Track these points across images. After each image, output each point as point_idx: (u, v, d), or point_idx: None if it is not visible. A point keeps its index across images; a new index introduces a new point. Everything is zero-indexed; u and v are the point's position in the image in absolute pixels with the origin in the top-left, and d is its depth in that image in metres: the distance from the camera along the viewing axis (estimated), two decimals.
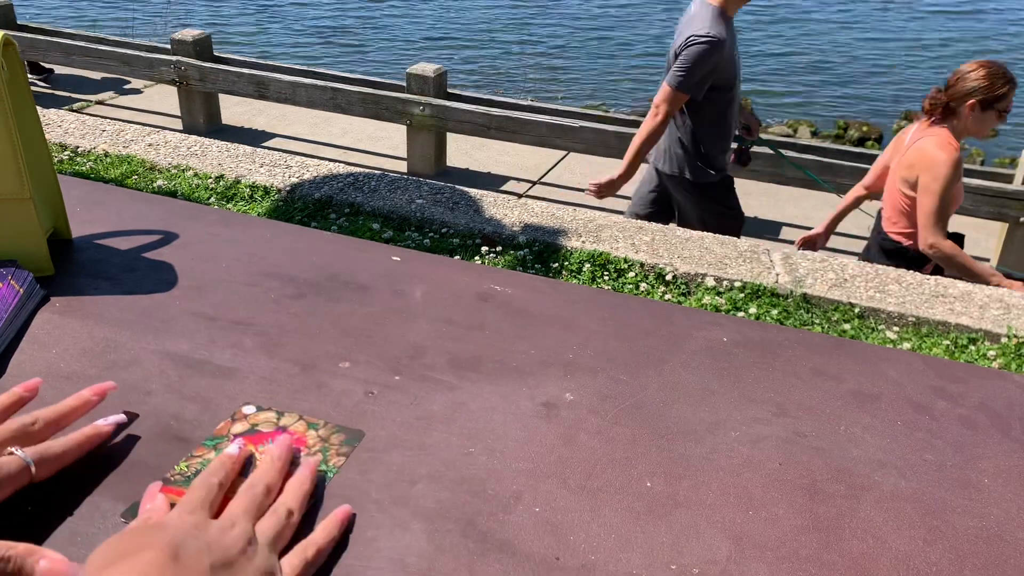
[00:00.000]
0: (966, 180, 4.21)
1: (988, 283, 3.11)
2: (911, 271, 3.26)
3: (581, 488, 0.59)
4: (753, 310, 3.63)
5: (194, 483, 0.54)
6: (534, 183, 5.13)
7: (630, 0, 11.51)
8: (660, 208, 3.80)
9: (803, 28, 10.45)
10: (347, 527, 0.54)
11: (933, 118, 2.97)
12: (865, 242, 4.58)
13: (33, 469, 0.55)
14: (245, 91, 5.36)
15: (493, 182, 5.11)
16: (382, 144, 5.60)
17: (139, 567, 0.46)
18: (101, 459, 0.59)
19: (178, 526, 0.50)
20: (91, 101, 6.05)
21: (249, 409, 0.65)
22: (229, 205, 4.31)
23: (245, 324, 0.75)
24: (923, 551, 0.55)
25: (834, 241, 4.57)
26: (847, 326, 3.53)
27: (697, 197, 3.60)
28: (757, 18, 10.76)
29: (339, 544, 0.53)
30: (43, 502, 0.55)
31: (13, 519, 0.54)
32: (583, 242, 4.05)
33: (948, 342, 3.43)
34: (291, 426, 0.63)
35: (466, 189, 4.56)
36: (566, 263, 3.90)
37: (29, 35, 5.84)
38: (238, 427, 0.63)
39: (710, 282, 3.79)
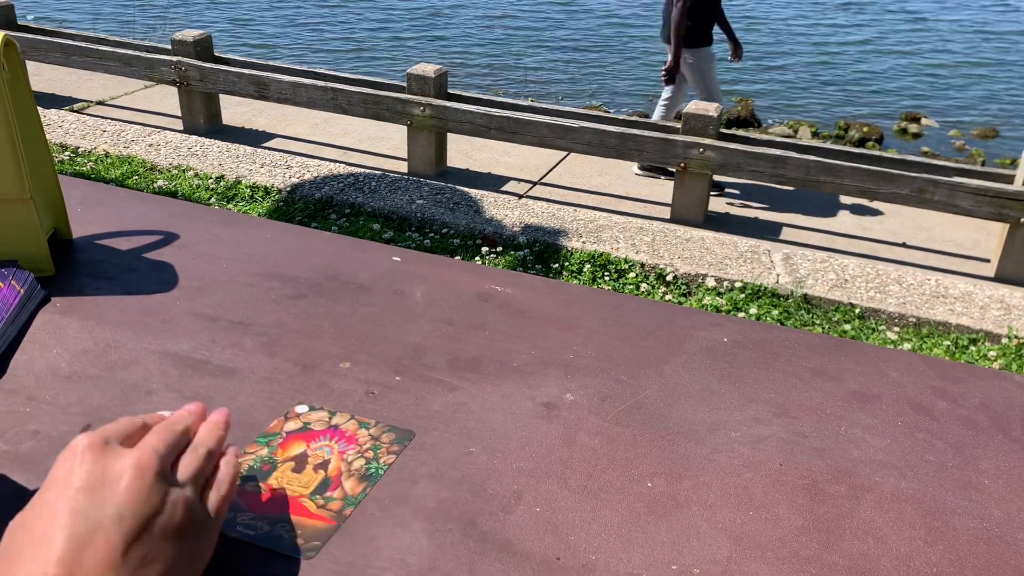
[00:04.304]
0: (965, 180, 4.21)
1: None
2: (912, 271, 3.25)
3: (582, 488, 0.59)
4: (754, 310, 3.63)
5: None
6: (534, 183, 5.13)
7: (630, 1, 11.51)
8: None
9: (804, 30, 10.45)
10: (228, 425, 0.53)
11: None
12: (865, 242, 4.58)
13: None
14: (245, 91, 5.36)
15: (493, 183, 5.11)
16: (382, 144, 5.61)
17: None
18: None
19: (80, 483, 0.44)
20: (91, 101, 6.05)
21: (302, 408, 0.65)
22: (230, 205, 4.31)
23: (246, 324, 0.75)
24: (923, 552, 0.55)
25: (834, 241, 4.57)
26: (848, 326, 3.53)
27: None
28: (758, 19, 10.76)
29: (341, 543, 0.53)
30: None
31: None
32: (584, 243, 4.06)
33: (949, 342, 3.43)
34: (343, 425, 0.63)
35: (466, 190, 4.57)
36: (567, 263, 3.90)
37: (29, 35, 5.84)
38: (291, 425, 0.63)
39: (711, 283, 3.80)
